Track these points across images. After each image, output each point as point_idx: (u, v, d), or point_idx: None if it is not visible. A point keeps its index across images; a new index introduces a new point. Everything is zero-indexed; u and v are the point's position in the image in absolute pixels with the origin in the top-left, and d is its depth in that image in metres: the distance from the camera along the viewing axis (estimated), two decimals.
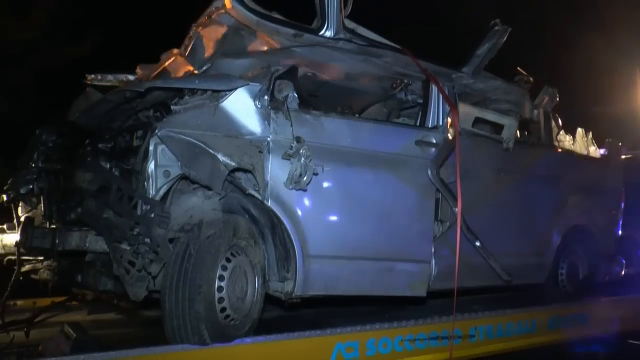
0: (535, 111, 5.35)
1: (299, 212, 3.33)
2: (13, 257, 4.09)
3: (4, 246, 3.99)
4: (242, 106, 3.23)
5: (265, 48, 4.04)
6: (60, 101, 9.68)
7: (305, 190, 3.28)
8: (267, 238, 3.45)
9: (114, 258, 2.95)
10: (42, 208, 3.39)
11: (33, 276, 3.93)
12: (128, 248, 2.94)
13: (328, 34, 3.87)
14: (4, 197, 3.52)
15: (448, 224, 4.10)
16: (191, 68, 4.07)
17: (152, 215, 2.88)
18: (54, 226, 3.28)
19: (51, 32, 9.87)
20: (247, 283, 3.24)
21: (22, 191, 3.28)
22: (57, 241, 3.14)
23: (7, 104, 9.68)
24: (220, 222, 3.09)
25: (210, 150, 2.98)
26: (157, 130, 2.95)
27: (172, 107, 3.12)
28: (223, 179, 3.04)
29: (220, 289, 3.04)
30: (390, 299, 3.89)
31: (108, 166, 3.28)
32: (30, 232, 3.19)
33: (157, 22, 10.56)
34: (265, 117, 3.28)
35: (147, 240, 2.89)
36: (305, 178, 3.21)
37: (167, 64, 4.14)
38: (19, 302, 5.42)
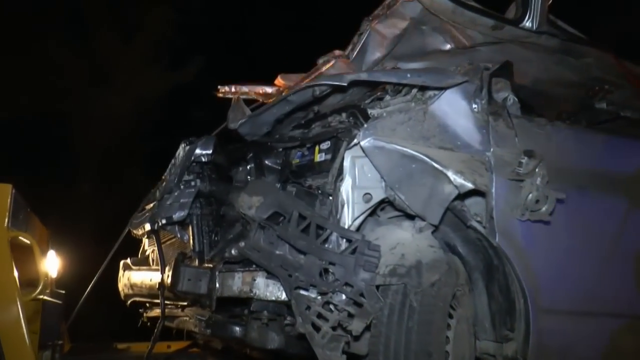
0: None
1: (529, 251, 2.48)
2: (140, 299, 3.42)
3: (132, 286, 3.30)
4: (455, 110, 2.45)
5: (448, 47, 3.30)
6: (161, 127, 9.42)
7: (544, 223, 2.44)
8: (476, 284, 2.62)
9: (299, 310, 2.19)
10: (191, 241, 2.67)
11: (168, 324, 3.23)
12: (318, 297, 2.18)
13: (528, 25, 3.13)
14: (147, 225, 2.82)
15: None
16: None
17: (355, 253, 2.11)
18: (209, 265, 2.54)
19: (155, 58, 9.60)
20: (467, 345, 2.40)
21: (175, 218, 2.57)
22: (216, 285, 2.42)
23: (110, 130, 9.43)
24: (444, 264, 2.28)
25: (438, 166, 2.20)
26: (359, 140, 2.21)
27: (369, 111, 2.37)
28: (446, 205, 2.25)
29: (447, 355, 2.22)
30: None
31: (278, 187, 2.56)
32: (183, 273, 2.47)
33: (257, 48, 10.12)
34: (483, 125, 2.48)
35: (347, 287, 2.11)
36: (546, 206, 2.37)
37: (325, 68, 3.43)
38: (132, 346, 4.80)
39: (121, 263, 3.60)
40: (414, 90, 2.43)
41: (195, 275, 2.46)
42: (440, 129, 2.39)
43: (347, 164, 2.24)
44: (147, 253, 3.58)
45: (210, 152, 2.69)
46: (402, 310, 2.15)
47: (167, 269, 2.60)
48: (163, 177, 3.32)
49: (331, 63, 3.43)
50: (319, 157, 2.46)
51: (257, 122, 2.59)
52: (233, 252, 2.48)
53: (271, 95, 3.91)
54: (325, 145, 2.43)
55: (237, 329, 2.56)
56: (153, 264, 3.43)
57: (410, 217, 2.40)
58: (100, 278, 4.35)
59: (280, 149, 2.62)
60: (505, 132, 2.53)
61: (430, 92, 2.45)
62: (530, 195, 2.39)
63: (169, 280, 2.51)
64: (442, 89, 2.42)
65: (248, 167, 2.64)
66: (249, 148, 2.65)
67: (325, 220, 2.21)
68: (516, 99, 2.65)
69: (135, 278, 3.30)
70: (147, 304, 3.55)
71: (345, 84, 2.29)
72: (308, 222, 2.22)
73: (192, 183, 2.62)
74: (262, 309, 2.47)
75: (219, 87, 4.07)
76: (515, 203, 2.43)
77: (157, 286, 2.83)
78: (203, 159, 2.70)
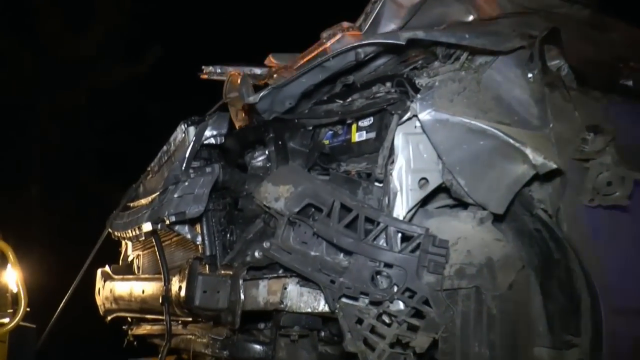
0: None
1: (598, 242, 2.16)
2: (125, 315, 2.95)
3: (115, 299, 2.82)
4: (509, 80, 2.11)
5: (471, 17, 2.95)
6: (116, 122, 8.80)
7: (611, 209, 2.12)
8: (529, 281, 2.27)
9: (347, 324, 1.80)
10: (202, 242, 2.22)
11: (160, 343, 2.77)
12: (371, 308, 1.79)
13: None
14: (145, 225, 2.35)
15: None
16: None
17: (418, 251, 1.73)
18: (228, 272, 2.10)
19: (109, 49, 8.94)
20: None
21: (189, 214, 2.10)
22: (240, 297, 1.99)
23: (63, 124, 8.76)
24: (518, 261, 1.92)
25: (515, 143, 1.86)
26: (415, 112, 1.84)
27: (415, 80, 1.99)
28: (517, 190, 1.91)
29: None
30: None
31: None
32: (200, 284, 2.02)
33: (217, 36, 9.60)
34: (539, 97, 2.14)
35: (408, 293, 1.73)
36: (622, 189, 2.06)
37: (329, 43, 3.02)
38: None
39: (99, 272, 3.11)
40: (463, 57, 2.08)
41: (213, 285, 2.03)
42: (496, 102, 2.05)
43: (399, 142, 1.87)
44: (130, 259, 3.10)
45: (224, 132, 2.25)
46: (479, 319, 1.79)
47: (176, 279, 2.15)
48: (149, 169, 2.87)
49: (337, 37, 3.04)
50: (357, 137, 2.07)
51: (280, 95, 2.15)
52: (256, 254, 2.04)
53: (260, 76, 3.49)
54: (366, 122, 2.04)
55: (262, 348, 2.14)
56: (139, 272, 2.96)
57: (463, 205, 2.05)
58: (56, 288, 3.82)
59: (310, 128, 2.20)
60: (563, 105, 2.20)
61: (481, 60, 2.10)
62: (601, 176, 2.08)
63: (182, 294, 2.06)
64: (498, 54, 2.08)
65: (267, 150, 2.21)
66: (267, 127, 2.21)
67: (377, 212, 1.82)
68: (570, 69, 2.33)
69: (120, 290, 2.83)
70: (130, 320, 3.08)
71: (403, 43, 1.90)
72: (355, 215, 1.83)
73: (207, 170, 2.17)
74: (293, 323, 2.06)
75: (202, 67, 3.63)
76: (581, 187, 2.10)
77: (153, 299, 2.38)
78: (214, 141, 2.26)
